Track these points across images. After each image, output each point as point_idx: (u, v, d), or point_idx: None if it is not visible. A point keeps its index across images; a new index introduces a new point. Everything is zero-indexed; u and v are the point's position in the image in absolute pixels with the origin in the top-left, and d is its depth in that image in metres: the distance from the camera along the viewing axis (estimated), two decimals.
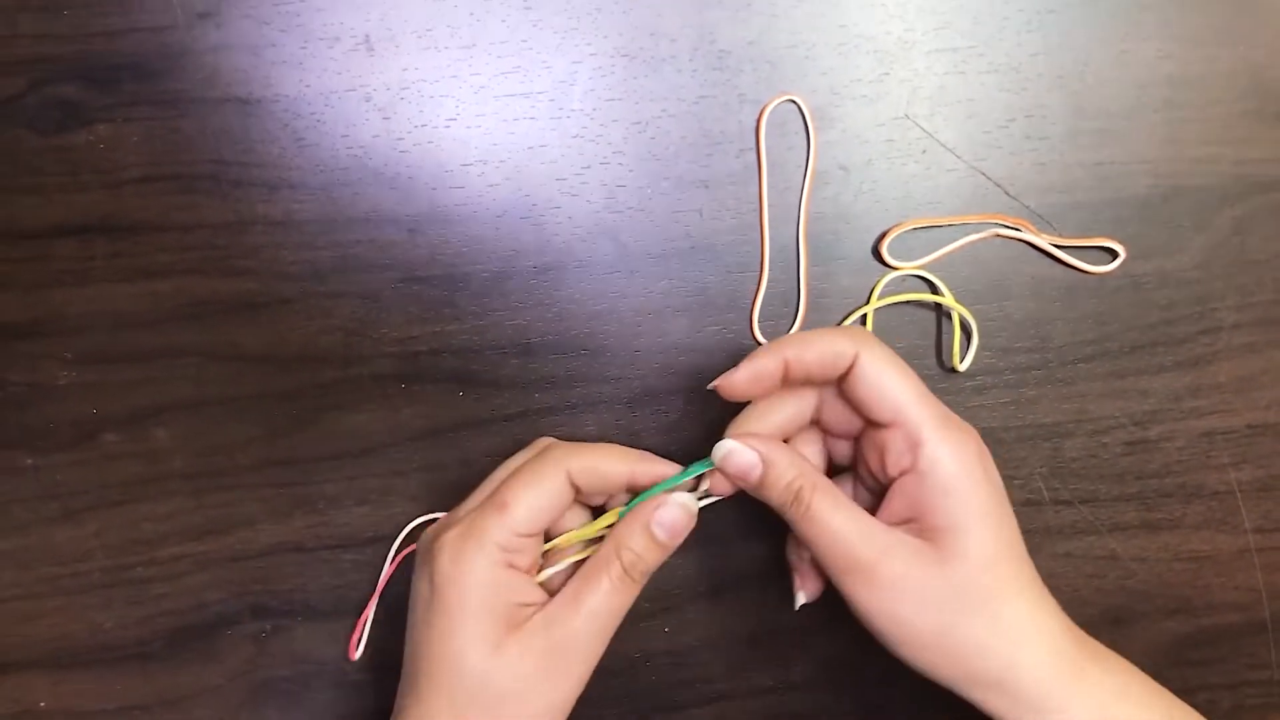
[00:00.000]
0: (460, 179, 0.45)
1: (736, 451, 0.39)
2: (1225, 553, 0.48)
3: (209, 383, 0.45)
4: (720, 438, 0.40)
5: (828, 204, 0.46)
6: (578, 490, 0.40)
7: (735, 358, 0.45)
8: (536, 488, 0.39)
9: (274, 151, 0.45)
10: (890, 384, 0.38)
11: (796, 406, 0.41)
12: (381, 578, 0.46)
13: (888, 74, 0.46)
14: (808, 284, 0.46)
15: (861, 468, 0.41)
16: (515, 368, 0.46)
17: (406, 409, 0.46)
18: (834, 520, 0.37)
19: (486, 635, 0.37)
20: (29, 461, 0.45)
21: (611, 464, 0.40)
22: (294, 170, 0.45)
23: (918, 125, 0.46)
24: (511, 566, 0.39)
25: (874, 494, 0.41)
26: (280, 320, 0.45)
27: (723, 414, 0.44)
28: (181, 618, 0.46)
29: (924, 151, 0.46)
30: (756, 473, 0.39)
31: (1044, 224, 0.47)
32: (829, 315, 0.47)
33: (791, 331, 0.46)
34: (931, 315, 0.47)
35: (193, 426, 0.45)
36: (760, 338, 0.46)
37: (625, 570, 0.39)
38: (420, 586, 0.39)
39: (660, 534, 0.39)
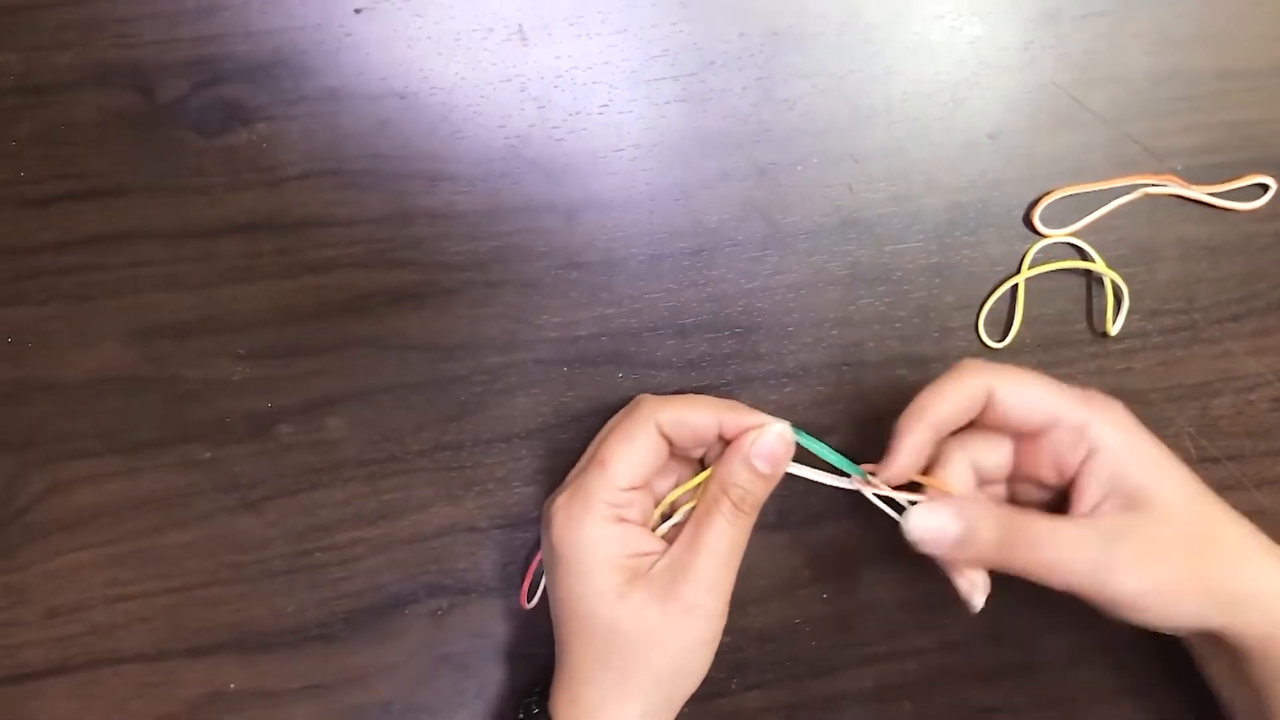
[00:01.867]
0: (614, 165, 0.46)
1: (922, 524, 0.39)
2: None
3: (378, 372, 0.46)
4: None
5: (976, 173, 0.47)
6: (671, 443, 0.41)
7: (886, 329, 0.46)
8: (630, 443, 0.41)
9: (432, 144, 0.45)
10: (1032, 398, 0.39)
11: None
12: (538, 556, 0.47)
13: (1033, 41, 0.46)
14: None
15: (1023, 480, 0.42)
16: (671, 349, 0.47)
17: (569, 392, 0.47)
18: (1055, 540, 0.38)
19: (611, 587, 0.39)
20: (208, 455, 0.47)
21: (699, 415, 0.41)
22: (453, 162, 0.45)
23: (1064, 91, 0.46)
24: (622, 520, 0.40)
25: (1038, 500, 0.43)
26: (445, 309, 0.46)
27: (875, 390, 0.45)
28: (359, 599, 0.47)
29: (1071, 117, 0.47)
30: (952, 534, 0.39)
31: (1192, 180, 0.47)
32: (980, 286, 0.47)
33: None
34: (1080, 280, 0.48)
35: (364, 415, 0.47)
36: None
37: (735, 505, 0.40)
38: (545, 553, 0.42)
39: (761, 465, 0.40)
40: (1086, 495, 0.39)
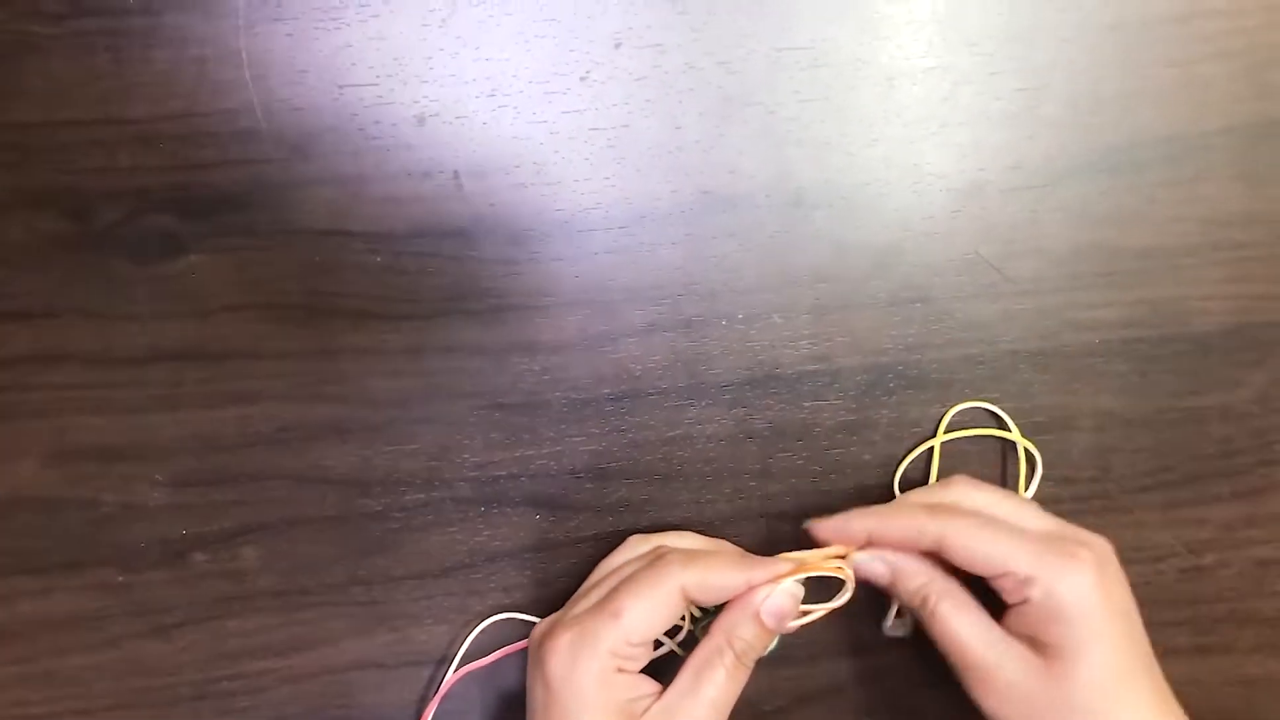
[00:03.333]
0: (543, 310, 0.47)
1: (865, 564, 0.42)
2: (1277, 677, 0.49)
3: (296, 504, 0.47)
4: None
5: (898, 336, 0.48)
6: (690, 600, 0.41)
7: (803, 483, 0.47)
8: (651, 602, 0.40)
9: (363, 283, 0.46)
10: (983, 551, 0.40)
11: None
12: (439, 691, 0.47)
13: (959, 211, 0.47)
14: None
15: None
16: (590, 492, 0.48)
17: (486, 531, 0.47)
18: (958, 625, 0.40)
19: None
20: (121, 579, 0.47)
21: (726, 576, 0.41)
22: (383, 301, 0.46)
23: (987, 262, 0.47)
24: (623, 671, 0.40)
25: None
26: (366, 445, 0.47)
27: (791, 543, 0.45)
28: None
29: (992, 286, 0.48)
30: (884, 580, 0.42)
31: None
32: (897, 446, 0.48)
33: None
34: (996, 445, 0.48)
35: (280, 546, 0.47)
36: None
37: (738, 658, 0.41)
38: (535, 689, 0.41)
39: (769, 621, 0.41)
40: (1009, 625, 0.41)
